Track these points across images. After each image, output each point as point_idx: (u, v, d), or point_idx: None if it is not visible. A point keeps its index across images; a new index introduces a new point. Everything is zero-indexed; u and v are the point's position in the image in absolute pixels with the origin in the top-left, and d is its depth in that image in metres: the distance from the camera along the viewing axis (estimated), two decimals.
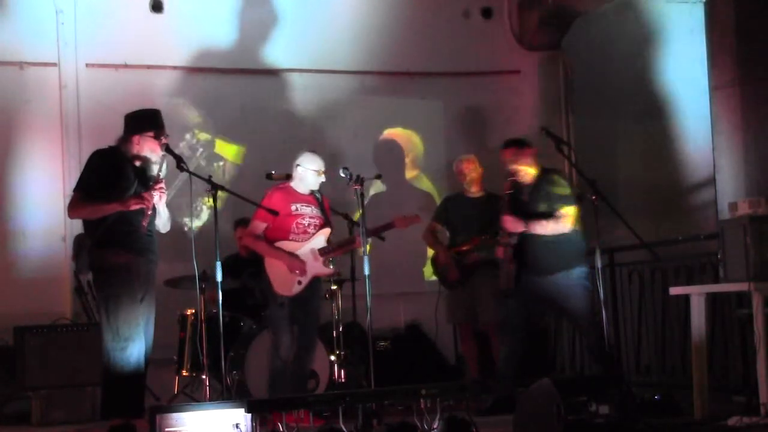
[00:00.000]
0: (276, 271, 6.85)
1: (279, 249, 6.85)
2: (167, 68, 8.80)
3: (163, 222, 6.26)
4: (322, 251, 6.94)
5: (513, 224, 6.65)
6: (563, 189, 6.73)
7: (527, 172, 6.80)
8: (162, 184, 6.13)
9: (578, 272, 6.67)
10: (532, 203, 6.74)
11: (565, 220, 6.60)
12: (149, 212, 6.12)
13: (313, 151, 7.05)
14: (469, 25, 9.60)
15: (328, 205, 7.16)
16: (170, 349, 7.51)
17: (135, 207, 6.09)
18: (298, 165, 6.95)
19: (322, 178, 6.95)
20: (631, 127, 9.53)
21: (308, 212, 6.94)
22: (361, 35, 9.26)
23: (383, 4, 9.37)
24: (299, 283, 6.85)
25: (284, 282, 6.84)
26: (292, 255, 6.86)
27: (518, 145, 6.86)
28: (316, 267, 6.93)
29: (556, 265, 6.56)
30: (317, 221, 6.96)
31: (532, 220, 6.60)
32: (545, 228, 6.59)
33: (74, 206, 6.18)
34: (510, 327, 6.94)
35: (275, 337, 6.86)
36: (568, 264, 6.59)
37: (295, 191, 6.95)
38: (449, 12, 9.53)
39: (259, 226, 6.89)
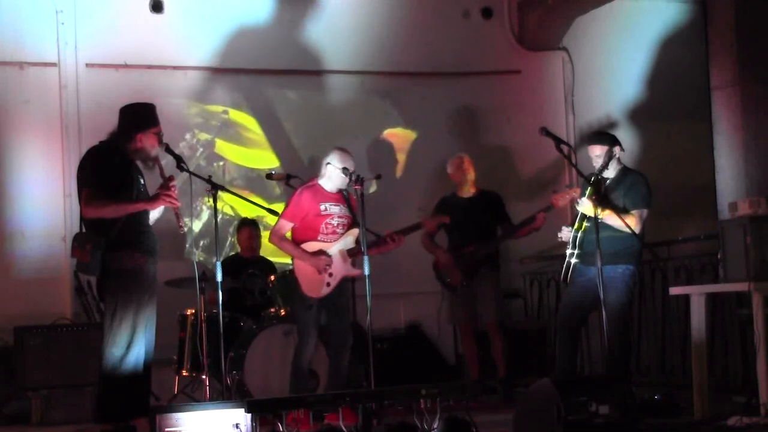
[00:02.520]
0: (304, 273, 6.80)
1: (303, 250, 6.79)
2: (167, 68, 8.79)
3: (154, 217, 6.24)
4: (351, 252, 6.89)
5: (589, 209, 6.58)
6: (644, 191, 6.70)
7: (610, 167, 6.74)
8: (175, 182, 6.09)
9: (624, 268, 6.63)
10: (609, 196, 6.68)
11: (637, 221, 6.56)
12: (178, 211, 6.06)
13: (344, 149, 6.92)
14: (469, 25, 9.60)
15: (355, 203, 7.00)
16: (170, 349, 7.50)
17: (159, 206, 6.05)
18: (328, 163, 6.85)
19: (349, 179, 6.80)
20: (631, 126, 9.54)
21: (337, 212, 6.87)
22: (361, 35, 9.26)
23: (383, 4, 9.36)
24: (328, 285, 6.80)
25: (312, 284, 6.79)
26: (316, 253, 6.79)
27: (608, 143, 6.78)
28: (345, 268, 6.87)
29: (607, 257, 6.49)
30: (346, 221, 6.90)
31: (606, 210, 6.52)
32: (615, 221, 6.53)
33: (93, 204, 5.90)
34: (563, 317, 6.93)
35: (301, 340, 6.80)
36: (618, 259, 6.55)
37: (324, 190, 6.87)
38: (449, 12, 9.53)
39: (285, 225, 6.83)
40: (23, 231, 8.33)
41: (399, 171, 9.44)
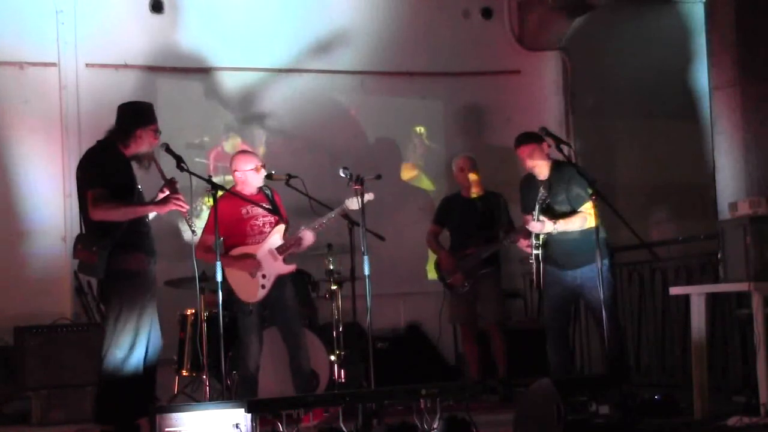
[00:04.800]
0: (237, 279, 6.80)
1: (229, 257, 6.78)
2: (167, 68, 8.80)
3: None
4: (280, 249, 6.92)
5: (539, 226, 6.62)
6: (582, 183, 6.69)
7: (544, 167, 6.76)
8: (178, 184, 6.09)
9: (601, 264, 6.65)
10: (553, 199, 6.69)
11: (590, 214, 6.58)
12: (188, 214, 6.07)
13: (243, 151, 7.12)
14: (469, 25, 9.60)
15: (280, 200, 7.14)
16: (170, 349, 7.49)
17: (168, 210, 6.05)
18: (235, 171, 6.95)
19: (264, 172, 6.95)
20: (631, 127, 9.54)
21: (260, 212, 6.89)
22: (361, 35, 9.26)
23: (383, 4, 9.36)
24: (263, 287, 6.83)
25: (247, 289, 6.82)
26: (241, 256, 6.81)
27: (535, 140, 6.82)
28: (277, 266, 6.90)
29: (582, 259, 6.52)
30: (272, 219, 6.95)
31: (558, 220, 6.56)
32: (572, 225, 6.55)
33: (102, 206, 5.86)
34: (550, 321, 6.94)
35: (243, 346, 6.84)
36: (592, 257, 6.58)
37: (242, 194, 6.91)
38: (449, 12, 9.53)
39: (208, 238, 6.76)
40: (23, 231, 8.32)
41: (407, 172, 9.43)
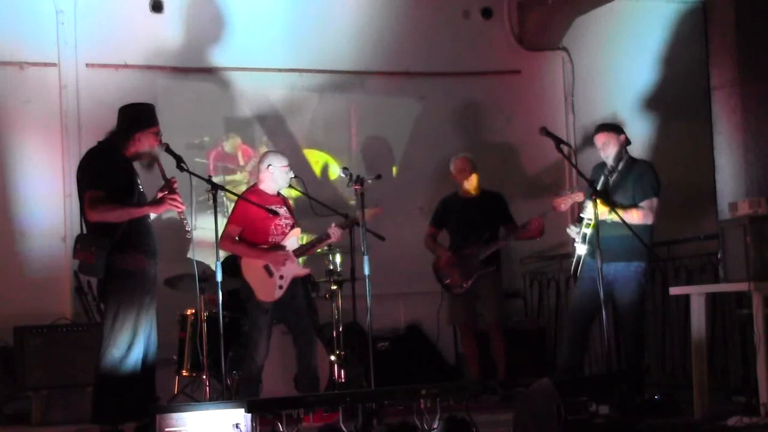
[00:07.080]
0: (256, 279, 6.87)
1: (259, 249, 6.89)
2: (167, 68, 8.80)
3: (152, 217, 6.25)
4: (297, 252, 6.98)
5: (596, 214, 6.58)
6: (651, 179, 6.70)
7: (616, 157, 6.75)
8: (177, 184, 6.09)
9: (637, 266, 6.66)
10: (618, 189, 6.68)
11: (647, 211, 6.58)
12: (183, 215, 6.07)
13: (276, 150, 7.28)
14: (469, 25, 9.60)
15: (290, 204, 7.25)
16: (170, 349, 7.50)
17: (164, 210, 6.05)
18: (269, 165, 7.01)
19: (291, 174, 7.06)
20: (631, 126, 9.53)
21: (283, 213, 6.98)
22: (361, 35, 9.26)
23: (383, 4, 9.36)
24: (280, 287, 6.89)
25: (266, 289, 6.88)
26: (271, 248, 6.89)
27: (612, 131, 6.83)
28: (293, 269, 6.98)
29: (619, 255, 6.51)
30: (290, 221, 7.03)
31: (618, 208, 6.53)
32: (628, 217, 6.52)
33: (98, 208, 5.88)
34: (573, 318, 6.92)
35: (253, 343, 6.89)
36: (630, 256, 6.57)
37: (267, 194, 7.00)
38: (449, 12, 9.52)
39: (235, 230, 6.91)
40: (23, 231, 8.32)
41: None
